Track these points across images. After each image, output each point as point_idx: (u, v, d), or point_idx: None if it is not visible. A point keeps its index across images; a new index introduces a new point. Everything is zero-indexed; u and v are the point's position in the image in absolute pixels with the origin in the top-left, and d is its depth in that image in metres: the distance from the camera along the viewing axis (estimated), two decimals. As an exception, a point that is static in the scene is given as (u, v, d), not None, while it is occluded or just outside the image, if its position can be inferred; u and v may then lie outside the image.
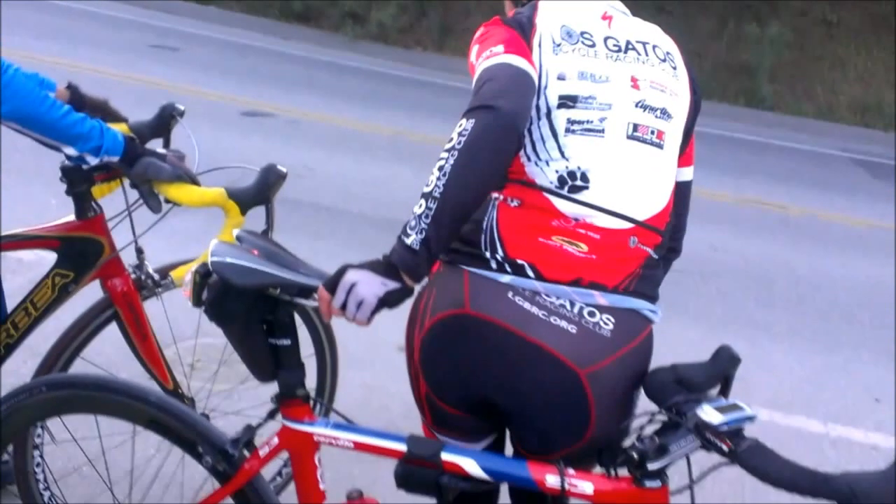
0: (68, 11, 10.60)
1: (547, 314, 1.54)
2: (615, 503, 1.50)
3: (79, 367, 2.28)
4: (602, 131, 1.61)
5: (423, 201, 1.47)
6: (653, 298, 1.65)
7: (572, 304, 1.55)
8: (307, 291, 1.57)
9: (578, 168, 1.59)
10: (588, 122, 1.61)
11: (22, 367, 2.37)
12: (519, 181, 1.62)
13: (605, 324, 1.55)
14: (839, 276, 5.77)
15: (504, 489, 1.85)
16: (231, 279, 1.55)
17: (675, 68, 1.74)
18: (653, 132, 1.65)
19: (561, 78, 1.62)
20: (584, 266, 1.57)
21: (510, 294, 1.55)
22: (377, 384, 3.39)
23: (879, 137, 11.38)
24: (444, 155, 1.47)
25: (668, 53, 1.75)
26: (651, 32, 1.77)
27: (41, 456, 2.18)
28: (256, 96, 7.99)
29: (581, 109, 1.61)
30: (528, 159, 1.62)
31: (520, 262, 1.57)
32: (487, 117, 1.48)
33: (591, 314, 1.55)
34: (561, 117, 1.61)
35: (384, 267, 1.49)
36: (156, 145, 2.21)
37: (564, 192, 1.59)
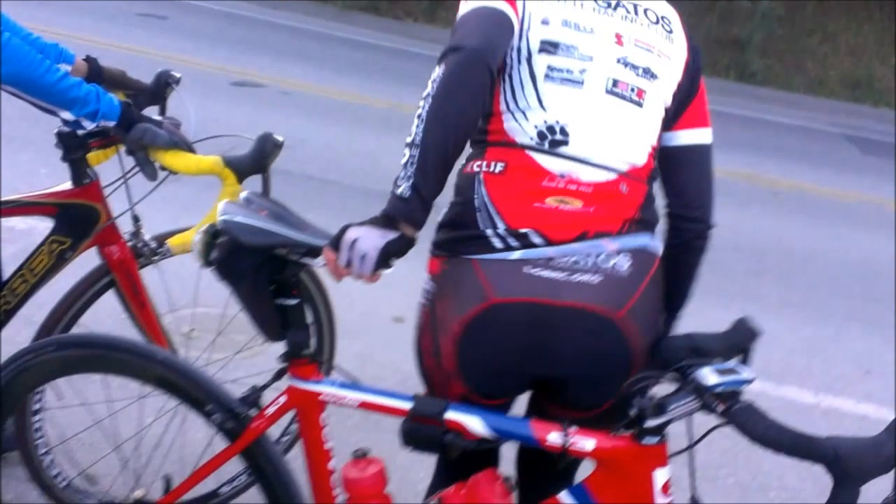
0: (53, -21, 10.47)
1: (568, 275, 1.56)
2: (614, 460, 1.53)
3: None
4: (581, 83, 1.62)
5: (406, 150, 1.51)
6: (652, 232, 1.68)
7: (587, 257, 1.57)
8: (314, 251, 1.59)
9: (557, 122, 1.60)
10: (568, 70, 1.62)
11: (17, 335, 2.36)
12: (499, 143, 1.63)
13: (622, 264, 1.59)
14: (829, 249, 5.80)
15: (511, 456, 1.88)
16: (240, 238, 1.57)
17: (669, 32, 1.73)
18: (633, 90, 1.66)
19: (544, 23, 1.63)
20: (586, 220, 1.59)
21: (526, 269, 1.56)
22: (371, 354, 3.39)
23: (869, 113, 11.40)
24: (422, 103, 1.52)
25: (662, 17, 1.74)
26: None
27: (41, 421, 2.18)
28: (247, 66, 7.91)
29: (562, 57, 1.62)
30: (507, 108, 1.63)
31: (523, 230, 1.57)
32: (456, 58, 1.52)
33: (606, 259, 1.58)
34: (541, 63, 1.62)
35: (382, 220, 1.53)
36: (151, 113, 2.19)
37: (546, 147, 1.60)
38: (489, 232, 1.58)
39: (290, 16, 11.11)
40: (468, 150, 1.69)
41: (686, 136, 1.76)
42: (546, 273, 1.56)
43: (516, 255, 1.57)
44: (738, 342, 1.53)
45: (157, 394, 1.84)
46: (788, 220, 6.27)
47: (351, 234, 1.52)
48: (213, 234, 1.61)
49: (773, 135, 9.16)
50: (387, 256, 1.51)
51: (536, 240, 1.57)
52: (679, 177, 1.76)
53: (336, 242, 1.53)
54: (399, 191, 1.50)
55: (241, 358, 2.80)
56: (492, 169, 1.62)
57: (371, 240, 1.51)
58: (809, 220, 6.37)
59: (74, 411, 2.32)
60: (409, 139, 1.51)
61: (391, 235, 1.51)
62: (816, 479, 3.01)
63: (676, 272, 1.77)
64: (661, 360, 1.54)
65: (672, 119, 1.74)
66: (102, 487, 2.22)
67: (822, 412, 3.65)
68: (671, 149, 1.75)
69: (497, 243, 1.58)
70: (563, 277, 1.55)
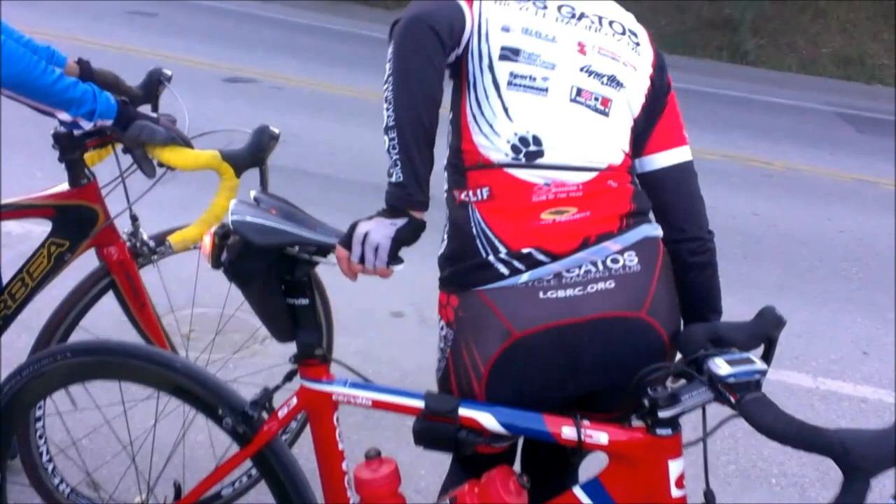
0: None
1: (582, 288, 1.54)
2: (629, 452, 1.52)
3: (79, 337, 2.26)
4: (545, 90, 1.61)
5: (385, 137, 1.52)
6: (648, 220, 1.67)
7: (595, 265, 1.56)
8: (325, 250, 1.60)
9: (528, 132, 1.59)
10: (531, 77, 1.61)
11: (17, 340, 2.36)
12: (476, 166, 1.62)
13: (630, 261, 1.58)
14: (825, 230, 5.80)
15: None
16: (251, 238, 1.57)
17: (637, 44, 1.72)
18: (597, 98, 1.64)
19: (505, 29, 1.62)
20: (585, 225, 1.58)
21: (541, 294, 1.55)
22: (370, 350, 3.39)
23: (862, 90, 11.39)
24: (385, 86, 1.52)
25: (630, 30, 1.73)
26: (615, 11, 1.75)
27: (43, 427, 2.17)
28: (238, 62, 7.89)
29: (524, 64, 1.61)
30: (475, 120, 1.62)
31: (525, 250, 1.56)
32: (398, 30, 1.53)
33: (615, 261, 1.57)
34: (503, 70, 1.61)
35: (388, 210, 1.54)
36: (145, 111, 2.18)
37: (522, 161, 1.59)
38: (492, 258, 1.57)
39: (279, 9, 11.08)
40: (449, 177, 1.67)
41: (663, 159, 1.71)
42: (561, 293, 1.54)
43: (524, 277, 1.55)
44: (763, 332, 1.52)
45: (156, 398, 1.83)
46: (783, 202, 6.26)
47: (361, 229, 1.53)
48: (223, 236, 1.61)
49: (765, 115, 9.16)
50: (399, 244, 1.53)
51: (541, 257, 1.55)
52: (666, 202, 1.71)
53: (347, 239, 1.54)
54: (393, 178, 1.52)
55: (239, 358, 2.80)
56: (479, 196, 1.61)
57: (382, 230, 1.52)
58: (804, 201, 6.37)
59: (75, 417, 2.32)
60: (384, 125, 1.52)
61: (400, 222, 1.53)
62: (817, 466, 3.03)
63: (698, 289, 1.74)
64: (681, 350, 1.54)
65: (643, 136, 1.71)
66: (105, 493, 2.21)
67: (821, 396, 3.65)
68: (652, 174, 1.72)
69: (502, 269, 1.56)
70: (580, 292, 1.54)
